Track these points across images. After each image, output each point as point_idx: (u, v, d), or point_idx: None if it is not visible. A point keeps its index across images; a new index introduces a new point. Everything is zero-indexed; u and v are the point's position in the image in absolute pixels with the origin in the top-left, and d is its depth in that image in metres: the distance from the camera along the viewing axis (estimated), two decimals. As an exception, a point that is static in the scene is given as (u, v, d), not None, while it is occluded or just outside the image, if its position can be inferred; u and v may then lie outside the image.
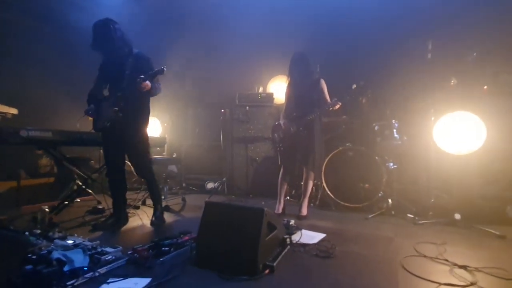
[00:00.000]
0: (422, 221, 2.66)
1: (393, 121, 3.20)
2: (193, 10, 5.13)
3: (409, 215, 2.87)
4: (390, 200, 3.01)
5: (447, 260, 1.76)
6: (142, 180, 4.05)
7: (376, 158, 3.17)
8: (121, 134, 2.36)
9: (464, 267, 1.66)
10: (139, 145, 2.43)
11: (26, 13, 4.60)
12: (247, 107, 4.28)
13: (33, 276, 1.30)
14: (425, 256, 1.84)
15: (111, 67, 2.39)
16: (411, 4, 3.77)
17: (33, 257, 1.44)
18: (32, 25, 4.71)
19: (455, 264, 1.70)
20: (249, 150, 4.24)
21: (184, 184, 4.52)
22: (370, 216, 2.87)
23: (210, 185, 4.42)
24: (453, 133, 2.76)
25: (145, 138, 2.49)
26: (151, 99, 2.56)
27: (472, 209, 2.70)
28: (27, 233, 1.71)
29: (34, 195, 3.48)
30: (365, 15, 3.97)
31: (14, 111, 2.61)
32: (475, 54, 3.04)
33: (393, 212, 2.94)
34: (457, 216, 2.60)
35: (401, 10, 3.80)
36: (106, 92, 2.43)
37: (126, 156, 2.53)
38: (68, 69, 4.63)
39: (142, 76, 2.19)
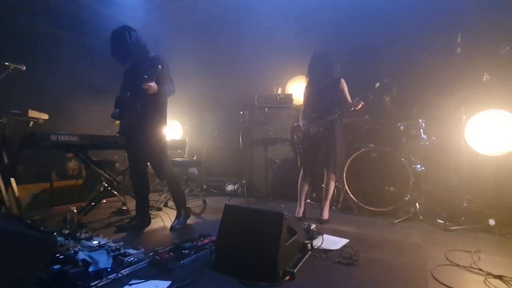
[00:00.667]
0: (454, 227, 2.50)
1: (420, 120, 3.04)
2: (211, 13, 5.21)
3: (439, 220, 2.71)
4: (417, 204, 2.85)
5: (481, 270, 1.64)
6: (164, 182, 4.18)
7: (402, 159, 3.02)
8: (140, 137, 2.42)
9: (499, 277, 1.54)
10: (155, 146, 2.46)
11: (57, 23, 4.90)
12: (266, 109, 4.26)
13: (60, 275, 1.36)
14: (457, 265, 1.73)
15: (131, 72, 2.48)
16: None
17: (61, 257, 1.51)
18: (61, 35, 5.00)
19: (490, 274, 1.58)
20: (268, 152, 4.21)
21: (204, 186, 4.58)
22: (396, 221, 2.74)
23: (230, 187, 4.44)
24: (486, 133, 2.59)
25: (162, 140, 2.51)
26: (172, 102, 2.60)
27: (508, 214, 2.51)
28: (55, 233, 1.80)
29: (64, 196, 3.68)
30: (388, 9, 3.80)
31: (45, 116, 2.77)
32: (507, 47, 2.82)
33: (421, 217, 2.79)
34: (492, 222, 2.42)
35: (426, 2, 3.61)
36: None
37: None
38: (95, 76, 4.87)
39: (146, 77, 2.21)
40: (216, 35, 5.18)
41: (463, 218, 2.61)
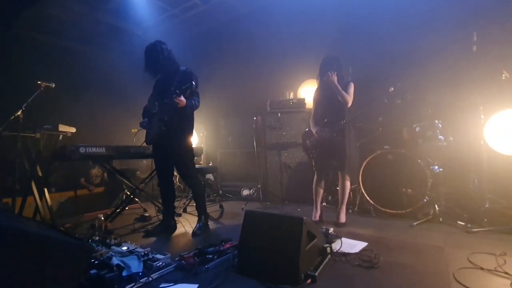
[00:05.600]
0: (476, 229, 2.46)
1: (436, 121, 3.01)
2: (222, 22, 5.34)
3: (460, 222, 2.66)
4: (437, 206, 2.82)
5: (507, 273, 1.61)
6: (182, 187, 4.31)
7: (419, 161, 3.00)
8: (167, 146, 2.55)
9: (527, 280, 1.52)
10: (183, 155, 2.60)
11: (76, 39, 5.17)
12: (279, 114, 4.32)
13: (98, 280, 1.46)
14: (481, 268, 1.71)
15: (161, 84, 2.63)
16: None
17: (96, 262, 1.62)
18: (80, 50, 5.27)
19: (517, 278, 1.55)
20: (282, 156, 4.26)
21: (220, 191, 4.67)
22: (415, 223, 2.72)
23: (245, 192, 4.51)
24: (506, 132, 2.54)
25: (189, 148, 2.66)
26: None
27: (535, 215, 2.45)
28: (89, 240, 1.92)
29: (88, 204, 3.86)
30: (402, 10, 3.77)
31: (72, 129, 2.95)
32: None
33: (441, 219, 2.75)
34: (517, 224, 2.36)
35: (441, 1, 3.58)
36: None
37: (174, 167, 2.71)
38: (115, 88, 5.09)
39: (177, 91, 2.36)
40: (226, 43, 5.30)
41: (485, 220, 2.56)
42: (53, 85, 2.58)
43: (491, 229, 2.44)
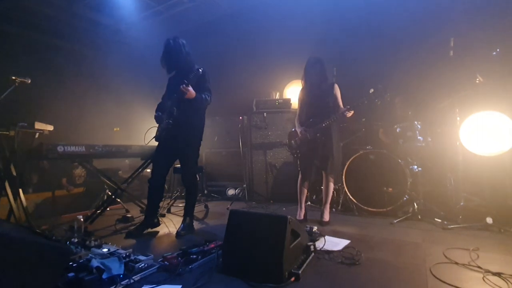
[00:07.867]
0: (452, 226, 2.57)
1: (416, 122, 3.12)
2: (207, 20, 5.30)
3: (437, 219, 2.78)
4: (416, 204, 2.93)
5: (480, 267, 1.70)
6: (166, 187, 4.22)
7: (399, 160, 3.10)
8: (173, 143, 2.52)
9: (498, 274, 1.60)
10: (189, 153, 2.58)
11: (55, 34, 4.96)
12: (265, 114, 4.34)
13: (76, 283, 1.41)
14: (456, 263, 1.79)
15: (175, 80, 2.57)
16: (430, 1, 3.69)
17: (74, 265, 1.56)
18: (60, 45, 5.06)
19: (489, 271, 1.63)
20: (268, 156, 4.28)
21: (205, 191, 4.62)
22: (395, 221, 2.81)
23: (231, 192, 4.49)
24: (481, 134, 2.67)
25: (195, 146, 2.63)
26: None
27: (505, 212, 2.58)
28: (68, 242, 1.85)
29: (66, 205, 3.71)
30: (383, 16, 3.91)
31: (50, 127, 2.82)
32: (498, 49, 2.91)
33: (419, 217, 2.86)
34: (489, 220, 2.49)
35: (420, 8, 3.72)
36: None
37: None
38: (96, 85, 4.93)
39: (185, 81, 2.32)
40: (212, 42, 5.25)
41: (460, 217, 2.68)
42: (29, 81, 2.46)
43: (465, 225, 2.56)
